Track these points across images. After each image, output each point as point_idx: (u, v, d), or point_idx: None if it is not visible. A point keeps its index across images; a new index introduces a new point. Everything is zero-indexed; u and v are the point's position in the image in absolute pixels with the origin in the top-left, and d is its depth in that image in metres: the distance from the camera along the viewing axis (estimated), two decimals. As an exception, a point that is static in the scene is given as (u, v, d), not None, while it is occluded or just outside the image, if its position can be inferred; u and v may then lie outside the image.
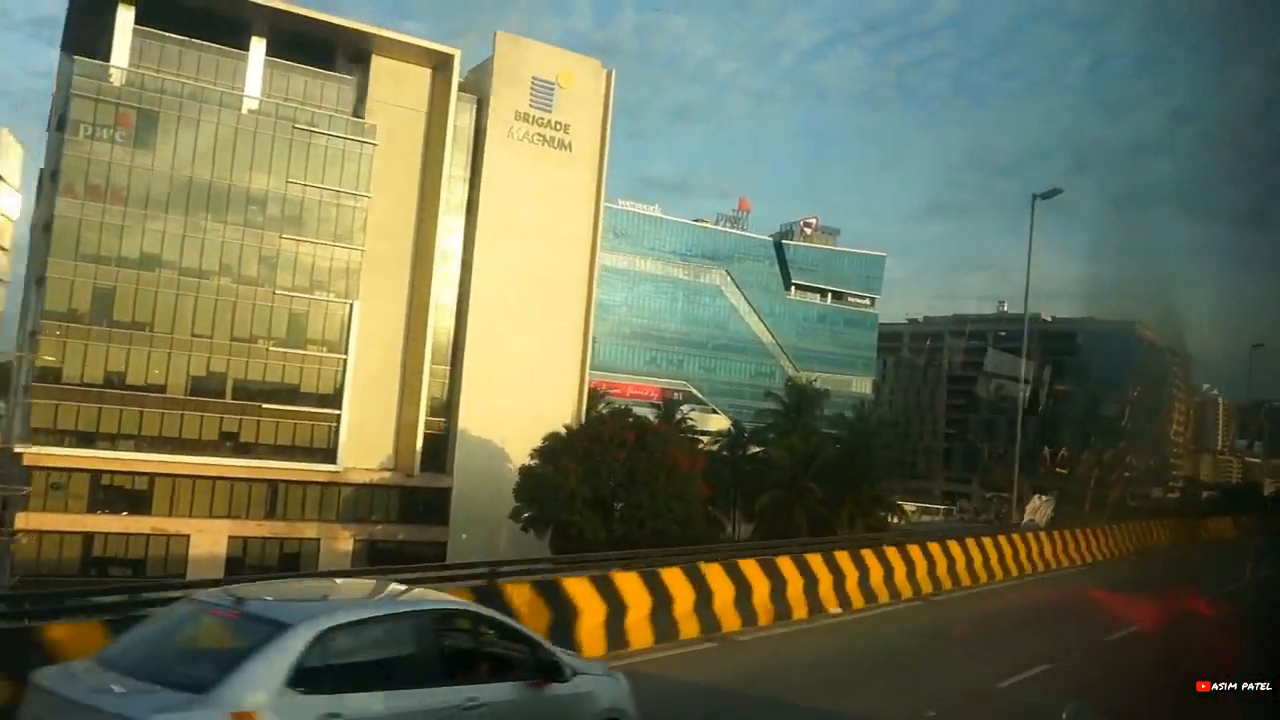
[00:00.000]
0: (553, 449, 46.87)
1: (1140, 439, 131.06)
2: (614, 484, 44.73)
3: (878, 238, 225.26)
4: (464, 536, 55.28)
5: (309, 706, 5.68)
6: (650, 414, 64.54)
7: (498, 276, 57.70)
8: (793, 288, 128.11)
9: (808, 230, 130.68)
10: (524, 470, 47.26)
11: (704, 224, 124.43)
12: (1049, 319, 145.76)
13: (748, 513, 54.26)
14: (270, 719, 5.49)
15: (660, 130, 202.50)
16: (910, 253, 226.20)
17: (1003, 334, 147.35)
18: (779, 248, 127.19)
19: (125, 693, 5.49)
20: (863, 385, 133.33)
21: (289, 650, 5.71)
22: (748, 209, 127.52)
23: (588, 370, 62.76)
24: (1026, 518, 41.14)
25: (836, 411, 63.33)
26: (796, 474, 49.51)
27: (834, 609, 17.12)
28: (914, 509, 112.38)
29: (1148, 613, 15.18)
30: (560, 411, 53.83)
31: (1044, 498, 52.22)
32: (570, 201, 60.37)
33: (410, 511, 56.22)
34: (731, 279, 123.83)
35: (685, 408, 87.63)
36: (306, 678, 5.72)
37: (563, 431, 45.27)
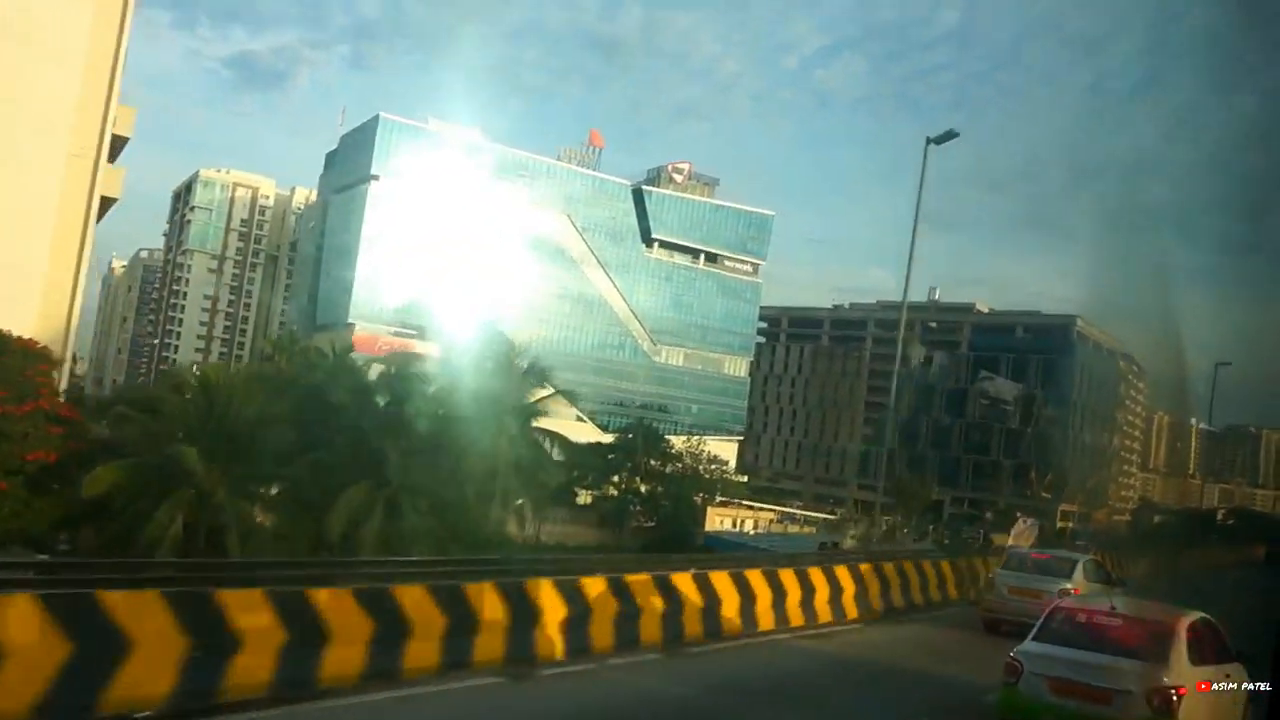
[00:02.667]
0: None
1: (1084, 452, 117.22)
2: None
3: (871, 247, 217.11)
4: None
5: (1096, 587, 16.04)
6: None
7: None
8: (654, 244, 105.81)
9: (677, 177, 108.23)
10: None
11: (543, 159, 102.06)
12: (985, 310, 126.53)
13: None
14: (1084, 589, 15.87)
15: (661, 129, 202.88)
16: (904, 264, 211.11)
17: (933, 325, 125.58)
18: (638, 195, 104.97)
19: (1043, 576, 16.69)
20: (737, 367, 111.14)
21: (1080, 564, 17.35)
22: (601, 144, 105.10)
23: (89, 244, 39.98)
24: (1011, 541, 41.19)
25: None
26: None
27: None
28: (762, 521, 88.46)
29: None
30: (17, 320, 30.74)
31: (1029, 521, 51.11)
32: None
33: None
34: (574, 226, 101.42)
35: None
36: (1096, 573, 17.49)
37: None
